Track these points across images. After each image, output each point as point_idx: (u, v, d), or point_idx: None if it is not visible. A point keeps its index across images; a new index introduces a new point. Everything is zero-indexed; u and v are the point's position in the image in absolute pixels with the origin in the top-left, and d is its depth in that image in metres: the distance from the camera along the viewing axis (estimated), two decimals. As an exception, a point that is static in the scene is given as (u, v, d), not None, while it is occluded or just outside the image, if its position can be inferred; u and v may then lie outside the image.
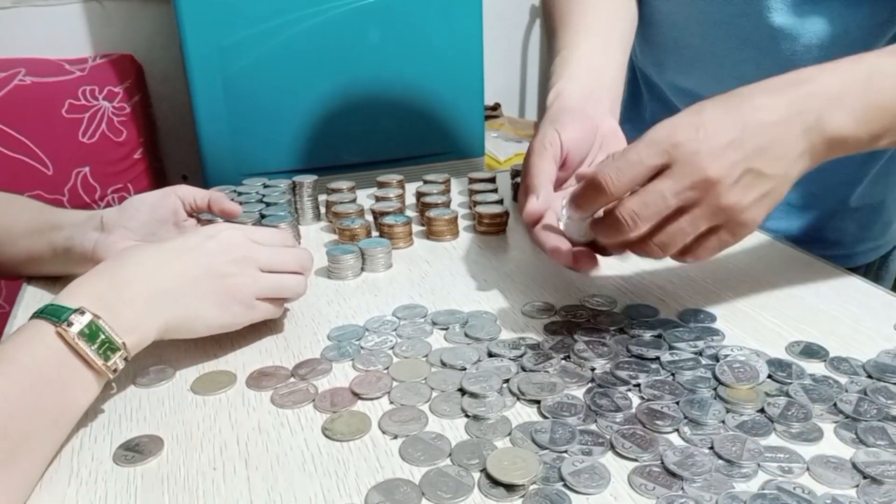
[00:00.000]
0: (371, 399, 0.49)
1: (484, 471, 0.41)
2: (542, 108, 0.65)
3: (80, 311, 0.44)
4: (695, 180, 0.46)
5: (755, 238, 0.73)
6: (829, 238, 0.79)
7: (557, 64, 0.68)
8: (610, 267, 0.67)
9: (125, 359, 0.45)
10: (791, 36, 0.68)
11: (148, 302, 0.48)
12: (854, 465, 0.41)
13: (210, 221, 0.67)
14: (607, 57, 0.69)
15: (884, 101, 0.49)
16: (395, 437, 0.45)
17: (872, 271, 0.82)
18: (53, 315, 0.43)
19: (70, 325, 0.43)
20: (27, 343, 0.43)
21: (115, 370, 0.45)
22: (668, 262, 0.67)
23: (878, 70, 0.49)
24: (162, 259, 0.51)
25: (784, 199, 0.79)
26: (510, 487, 0.40)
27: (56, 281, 0.65)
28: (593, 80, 0.66)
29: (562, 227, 0.55)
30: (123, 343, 0.45)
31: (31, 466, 0.41)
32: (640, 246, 0.50)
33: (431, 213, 0.75)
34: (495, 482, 0.40)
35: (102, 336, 0.44)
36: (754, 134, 0.46)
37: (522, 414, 0.47)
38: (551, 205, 0.57)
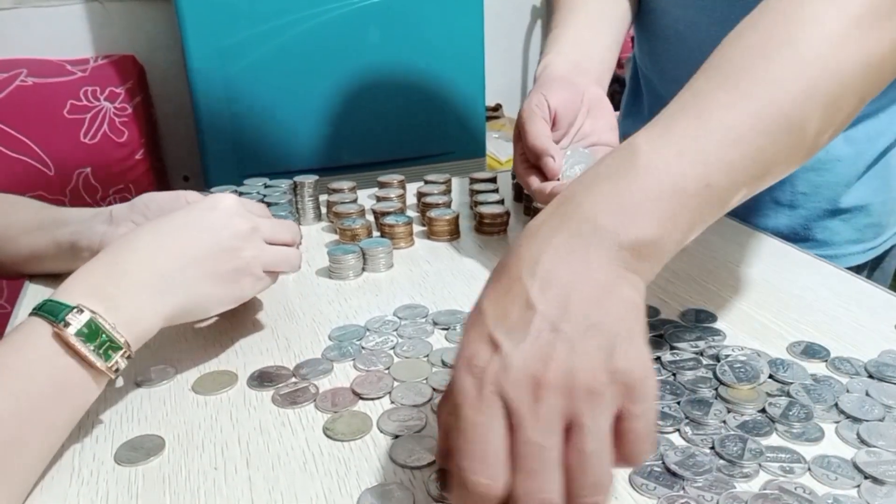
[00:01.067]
0: (372, 399, 0.49)
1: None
2: None
3: (79, 310, 0.42)
4: (538, 392, 0.33)
5: (755, 238, 0.73)
6: (818, 238, 0.80)
7: (549, 40, 0.73)
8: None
9: (127, 357, 0.44)
10: None
11: (150, 290, 0.46)
12: (855, 466, 0.41)
13: None
14: (596, 34, 0.73)
15: (680, 189, 0.37)
16: (396, 437, 0.45)
17: (863, 274, 0.82)
18: (50, 314, 0.41)
19: (67, 325, 0.41)
20: (22, 345, 0.41)
21: (116, 370, 0.43)
22: (669, 262, 0.68)
23: (650, 160, 0.38)
24: (161, 240, 0.49)
25: (772, 196, 0.80)
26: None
27: (59, 279, 0.65)
28: (581, 54, 0.70)
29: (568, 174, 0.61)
30: (126, 342, 0.43)
31: (26, 472, 0.40)
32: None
33: (432, 213, 0.75)
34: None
35: (103, 335, 0.42)
36: (548, 296, 0.34)
37: (523, 414, 0.46)
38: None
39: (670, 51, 0.81)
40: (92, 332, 0.42)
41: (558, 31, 0.73)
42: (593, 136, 0.66)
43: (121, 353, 0.43)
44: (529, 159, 0.64)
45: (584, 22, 0.73)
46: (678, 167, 0.37)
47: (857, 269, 0.82)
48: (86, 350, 0.41)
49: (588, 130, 0.67)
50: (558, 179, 0.61)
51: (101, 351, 0.42)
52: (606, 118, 0.67)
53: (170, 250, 0.48)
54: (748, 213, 0.81)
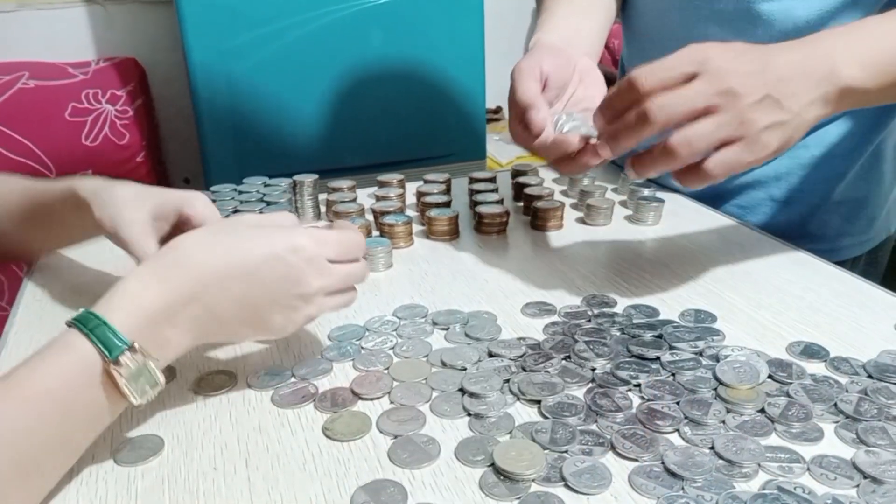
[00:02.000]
0: (371, 399, 0.49)
1: (491, 465, 0.41)
2: None
3: (133, 350, 0.41)
4: (720, 89, 0.50)
5: (755, 238, 0.73)
6: (813, 232, 0.80)
7: (539, 24, 0.75)
8: (610, 267, 0.67)
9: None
10: (769, 22, 0.72)
11: (196, 328, 0.45)
12: (854, 465, 0.41)
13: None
14: (584, 17, 0.76)
15: (887, 57, 0.55)
16: (395, 437, 0.45)
17: (859, 266, 0.83)
18: (104, 346, 0.40)
19: (119, 364, 0.40)
20: (67, 371, 0.40)
21: (148, 401, 0.43)
22: (669, 262, 0.68)
23: (881, 30, 0.56)
24: (223, 276, 0.45)
25: (768, 193, 0.81)
26: (514, 481, 0.40)
27: (59, 279, 0.65)
28: (570, 33, 0.73)
29: (565, 131, 0.60)
30: (164, 380, 0.43)
31: (43, 484, 0.40)
32: (663, 153, 0.51)
33: (432, 213, 0.75)
34: (501, 473, 0.40)
35: (148, 375, 0.42)
36: (776, 69, 0.51)
37: (523, 414, 0.47)
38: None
39: (655, 50, 0.82)
40: (139, 372, 0.41)
41: (547, 14, 0.75)
42: (585, 101, 0.68)
43: (157, 389, 0.43)
44: (517, 117, 0.64)
45: (572, 8, 0.76)
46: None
47: (853, 262, 0.82)
48: (128, 390, 0.41)
49: (581, 96, 0.69)
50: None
51: (142, 388, 0.42)
52: (598, 86, 0.69)
53: (230, 293, 0.45)
54: (743, 210, 0.81)
